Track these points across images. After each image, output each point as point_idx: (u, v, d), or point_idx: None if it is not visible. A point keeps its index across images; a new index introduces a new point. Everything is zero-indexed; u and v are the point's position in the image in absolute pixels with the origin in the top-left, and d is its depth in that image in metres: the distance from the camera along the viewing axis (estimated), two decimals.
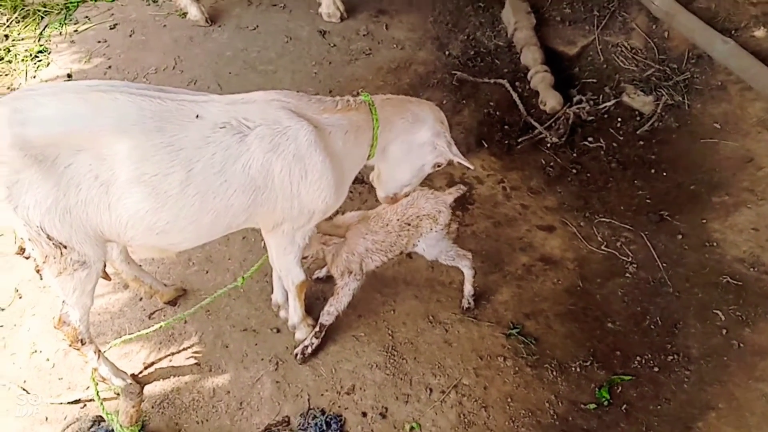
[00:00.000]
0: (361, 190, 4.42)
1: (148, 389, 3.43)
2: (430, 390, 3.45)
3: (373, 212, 3.56)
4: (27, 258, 2.66)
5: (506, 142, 5.06)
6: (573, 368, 3.59)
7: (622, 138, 5.08)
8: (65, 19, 5.96)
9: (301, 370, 3.51)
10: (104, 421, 3.20)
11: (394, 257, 3.57)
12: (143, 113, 2.44)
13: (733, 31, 5.15)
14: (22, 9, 6.01)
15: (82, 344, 3.10)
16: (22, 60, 5.53)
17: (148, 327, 3.59)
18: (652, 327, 3.83)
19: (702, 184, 4.64)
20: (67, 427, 3.26)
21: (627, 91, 5.28)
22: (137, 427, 3.14)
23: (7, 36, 5.76)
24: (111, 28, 5.87)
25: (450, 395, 3.43)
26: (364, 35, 5.82)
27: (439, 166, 3.16)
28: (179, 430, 3.28)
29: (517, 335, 3.71)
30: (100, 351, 3.23)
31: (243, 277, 3.50)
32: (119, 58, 5.62)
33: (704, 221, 4.40)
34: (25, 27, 5.86)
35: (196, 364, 3.55)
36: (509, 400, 3.43)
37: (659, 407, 3.46)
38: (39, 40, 5.77)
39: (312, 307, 3.75)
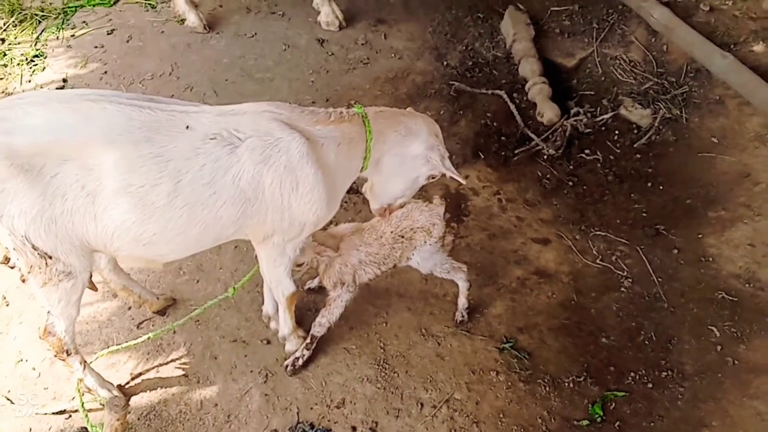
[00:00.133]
0: (356, 200, 4.39)
1: (135, 400, 3.40)
2: (422, 404, 3.41)
3: (368, 224, 3.53)
4: (12, 268, 2.62)
5: (503, 153, 5.02)
6: (566, 384, 3.55)
7: (619, 151, 5.05)
8: (62, 23, 5.93)
9: (291, 383, 3.47)
10: None
11: (388, 270, 3.53)
12: (132, 123, 2.41)
13: (732, 46, 5.12)
14: (20, 12, 5.98)
15: (68, 355, 3.07)
16: (18, 64, 5.51)
17: (137, 337, 3.55)
18: (647, 342, 3.79)
19: (698, 198, 4.60)
20: None
21: (625, 103, 5.25)
22: None
23: (3, 40, 5.74)
24: (108, 34, 5.85)
25: (441, 410, 3.39)
26: (363, 44, 5.80)
27: (432, 178, 3.15)
28: None
29: (511, 349, 3.67)
30: (86, 362, 3.19)
31: (234, 288, 3.46)
32: (115, 63, 5.59)
33: (700, 236, 4.36)
34: (22, 31, 5.84)
35: (184, 375, 3.51)
36: (501, 415, 3.38)
37: (653, 424, 3.42)
38: (35, 45, 5.74)
39: (303, 318, 3.72)
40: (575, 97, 5.47)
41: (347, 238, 3.45)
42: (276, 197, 2.69)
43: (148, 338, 3.45)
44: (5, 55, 5.58)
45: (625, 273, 4.16)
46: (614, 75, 5.48)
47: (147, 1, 6.12)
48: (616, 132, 5.16)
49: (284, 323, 3.48)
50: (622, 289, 4.08)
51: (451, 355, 3.62)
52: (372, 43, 5.82)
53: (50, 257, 2.57)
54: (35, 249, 2.52)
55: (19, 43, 5.71)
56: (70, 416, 3.33)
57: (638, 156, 4.99)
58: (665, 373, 3.62)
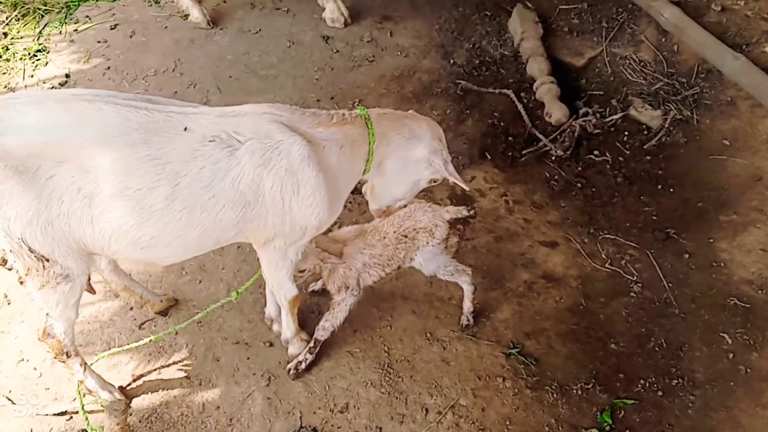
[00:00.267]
0: (360, 201, 4.32)
1: (137, 402, 3.36)
2: (426, 410, 3.35)
3: (370, 225, 3.49)
4: (9, 270, 2.58)
5: (510, 154, 4.96)
6: (574, 391, 3.49)
7: (628, 152, 4.98)
8: (66, 18, 5.88)
9: (294, 387, 3.42)
10: None
11: (392, 272, 3.48)
12: (129, 125, 2.37)
13: (744, 47, 5.04)
14: (23, 6, 5.94)
15: (68, 357, 3.03)
16: (21, 59, 5.47)
17: (138, 337, 3.52)
18: (657, 349, 3.72)
19: (710, 201, 4.53)
20: None
21: (634, 104, 5.18)
22: None
23: (5, 34, 5.70)
24: (111, 29, 5.80)
25: (446, 416, 3.34)
26: (368, 42, 5.74)
27: (435, 182, 3.12)
28: None
29: (517, 355, 3.62)
30: (86, 363, 3.15)
31: (237, 292, 3.42)
32: (118, 59, 5.55)
33: (711, 240, 4.29)
34: (25, 25, 5.80)
35: (185, 377, 3.47)
36: (508, 423, 3.33)
37: None
38: (38, 39, 5.71)
39: (306, 320, 3.67)
40: (584, 97, 5.40)
41: (351, 242, 3.39)
42: (277, 201, 2.65)
43: (150, 341, 3.40)
44: (8, 49, 5.54)
45: (635, 277, 4.10)
46: (624, 75, 5.41)
47: None
48: (626, 133, 5.09)
49: (287, 327, 3.43)
50: (632, 294, 4.01)
51: (456, 360, 3.57)
52: (378, 40, 5.76)
53: (47, 260, 2.52)
54: (32, 252, 2.48)
55: (21, 38, 5.67)
56: (71, 417, 3.29)
57: (648, 158, 4.92)
58: (676, 381, 3.56)
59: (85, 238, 2.53)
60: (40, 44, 5.65)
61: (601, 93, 5.40)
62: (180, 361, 3.53)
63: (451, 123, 5.09)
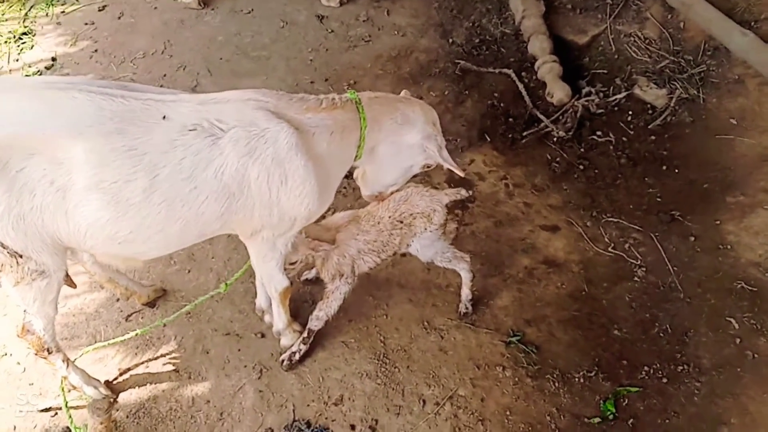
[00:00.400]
0: (355, 186, 4.17)
1: (123, 397, 3.25)
2: (424, 401, 3.26)
3: (364, 211, 3.37)
4: None
5: (510, 135, 4.85)
6: (576, 379, 3.39)
7: (632, 132, 4.86)
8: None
9: (286, 379, 3.32)
10: None
11: (388, 258, 3.38)
12: (103, 113, 2.25)
13: (752, 23, 4.88)
14: None
15: (49, 353, 2.93)
16: (5, 42, 5.37)
17: (125, 330, 3.43)
18: (661, 335, 3.62)
19: (716, 182, 4.43)
20: None
21: (639, 83, 5.07)
22: None
23: None
24: (99, 10, 5.70)
25: (445, 407, 3.24)
26: (364, 21, 5.62)
27: (428, 167, 3.03)
28: None
29: (518, 343, 3.52)
30: (69, 359, 3.05)
31: (226, 284, 3.31)
32: (106, 41, 5.47)
33: (718, 222, 4.19)
34: (10, 7, 5.70)
35: (174, 370, 3.36)
36: (508, 413, 3.23)
37: (668, 421, 3.25)
38: (24, 22, 5.63)
39: (299, 310, 3.58)
40: (587, 76, 5.29)
41: (344, 228, 3.27)
42: (263, 192, 2.54)
43: (136, 334, 3.30)
44: None
45: (639, 262, 3.99)
46: (628, 53, 5.29)
47: None
48: (630, 113, 4.97)
49: (278, 318, 3.33)
50: (636, 278, 3.90)
51: (454, 350, 3.47)
52: (374, 19, 5.65)
53: (20, 256, 2.42)
54: (4, 247, 2.37)
55: (6, 20, 5.57)
56: (56, 414, 3.18)
57: (653, 138, 4.81)
58: (681, 368, 3.46)
59: (59, 233, 2.43)
60: (25, 27, 5.57)
61: (605, 72, 5.28)
62: (168, 354, 3.42)
63: (450, 104, 4.99)
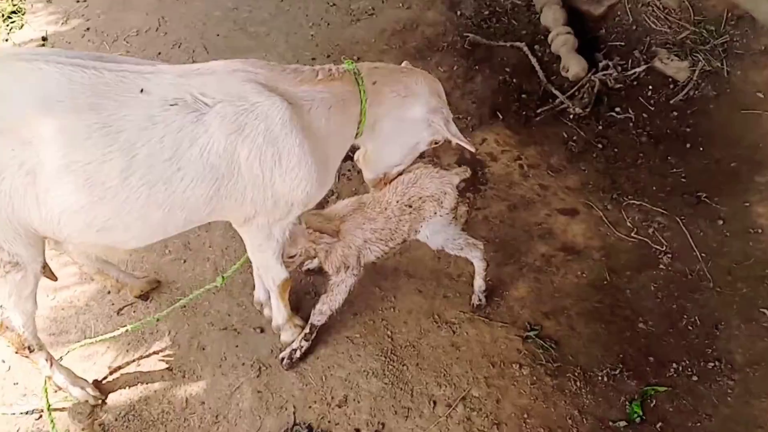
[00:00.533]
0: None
1: (113, 398, 3.08)
2: (434, 403, 3.08)
3: (368, 196, 3.15)
4: None
5: (524, 113, 4.66)
6: (599, 378, 3.20)
7: (653, 108, 4.66)
8: None
9: (287, 378, 3.14)
10: None
11: (396, 246, 3.17)
12: (73, 87, 2.06)
13: None
14: None
15: (30, 351, 2.76)
16: None
17: (117, 324, 3.27)
18: (690, 328, 3.42)
19: (743, 161, 4.23)
20: None
21: (659, 55, 4.88)
22: None
23: None
24: None
25: (457, 409, 3.06)
26: None
27: (435, 144, 2.86)
28: None
29: (535, 338, 3.33)
30: (53, 357, 2.87)
31: (223, 276, 3.13)
32: (99, 19, 5.31)
33: (747, 204, 3.99)
34: None
35: (167, 369, 3.19)
36: (525, 415, 3.05)
37: (699, 424, 3.06)
38: (13, 0, 5.40)
39: (301, 302, 3.40)
40: (604, 49, 5.10)
41: (348, 217, 3.04)
42: (255, 174, 2.34)
43: (127, 330, 3.10)
44: None
45: (664, 248, 3.79)
46: (647, 23, 5.10)
47: None
48: (650, 87, 4.79)
49: (278, 312, 3.14)
50: (661, 266, 3.71)
51: (467, 345, 3.29)
52: None
53: None
54: None
55: None
56: (41, 416, 3.01)
57: (675, 114, 4.61)
58: (712, 364, 3.27)
59: (32, 221, 2.24)
60: (15, 5, 5.39)
61: (623, 44, 5.10)
62: (161, 351, 3.25)
63: (459, 80, 4.80)
